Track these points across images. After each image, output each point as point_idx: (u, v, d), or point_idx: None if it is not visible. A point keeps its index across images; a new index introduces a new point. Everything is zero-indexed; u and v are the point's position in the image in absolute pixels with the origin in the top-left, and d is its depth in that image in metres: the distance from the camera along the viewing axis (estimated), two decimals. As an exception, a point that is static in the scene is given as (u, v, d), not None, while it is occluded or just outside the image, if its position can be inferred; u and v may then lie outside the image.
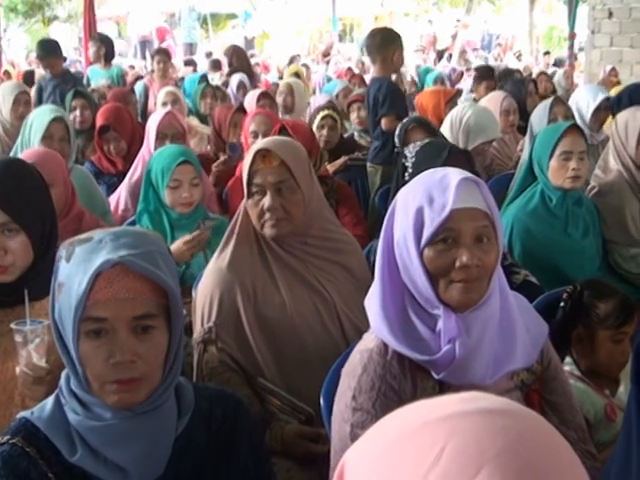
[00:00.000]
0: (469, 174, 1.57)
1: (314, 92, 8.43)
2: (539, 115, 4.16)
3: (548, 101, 4.25)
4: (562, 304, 2.18)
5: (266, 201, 2.24)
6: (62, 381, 1.37)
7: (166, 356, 1.34)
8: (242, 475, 1.46)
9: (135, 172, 3.91)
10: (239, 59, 7.67)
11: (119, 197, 3.94)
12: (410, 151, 2.69)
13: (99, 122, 4.30)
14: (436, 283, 1.54)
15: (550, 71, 8.33)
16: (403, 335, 1.55)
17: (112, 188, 4.14)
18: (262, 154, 2.26)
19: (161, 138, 3.81)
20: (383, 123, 4.51)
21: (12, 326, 1.71)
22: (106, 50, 7.36)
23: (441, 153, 2.58)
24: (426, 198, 1.52)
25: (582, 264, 3.05)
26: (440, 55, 17.94)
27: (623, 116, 3.45)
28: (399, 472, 0.62)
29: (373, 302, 1.62)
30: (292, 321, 2.26)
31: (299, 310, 2.28)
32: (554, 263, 3.02)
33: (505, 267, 2.81)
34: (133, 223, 3.24)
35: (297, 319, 2.27)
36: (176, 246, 2.95)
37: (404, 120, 3.99)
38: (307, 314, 2.29)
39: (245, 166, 2.29)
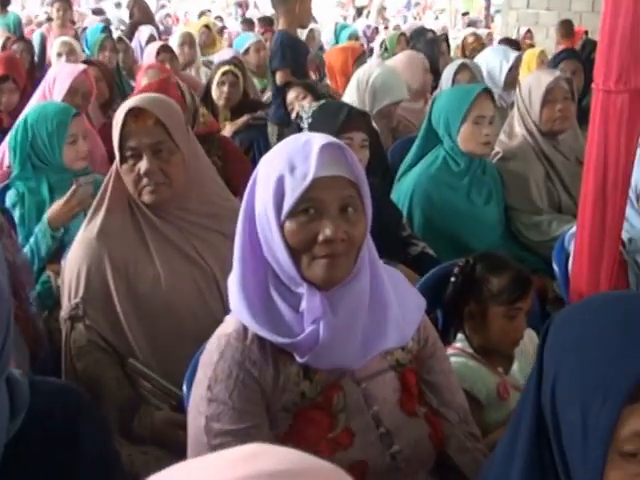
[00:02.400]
0: (333, 139, 1.44)
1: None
2: (445, 81, 4.06)
3: (453, 67, 4.15)
4: (453, 279, 2.08)
5: (143, 165, 2.07)
6: None
7: None
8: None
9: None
10: (141, 10, 7.35)
11: (3, 154, 3.69)
12: (306, 111, 2.55)
13: None
14: (298, 259, 1.41)
15: (466, 32, 8.24)
16: (264, 317, 1.43)
17: (-4, 147, 3.89)
18: (134, 113, 2.08)
19: (72, 93, 3.63)
20: (277, 77, 4.37)
21: None
22: (1, -5, 6.96)
23: (338, 114, 2.45)
24: (287, 166, 1.39)
25: (483, 232, 2.98)
26: (360, 12, 17.79)
27: (527, 80, 3.38)
28: None
29: (233, 282, 1.48)
30: (167, 297, 2.11)
31: (176, 285, 2.13)
32: (454, 231, 2.94)
33: (403, 238, 2.73)
34: (7, 187, 3.02)
35: (173, 295, 2.12)
36: (53, 209, 2.76)
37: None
38: (185, 289, 2.13)
39: (115, 127, 2.10)
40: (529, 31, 8.72)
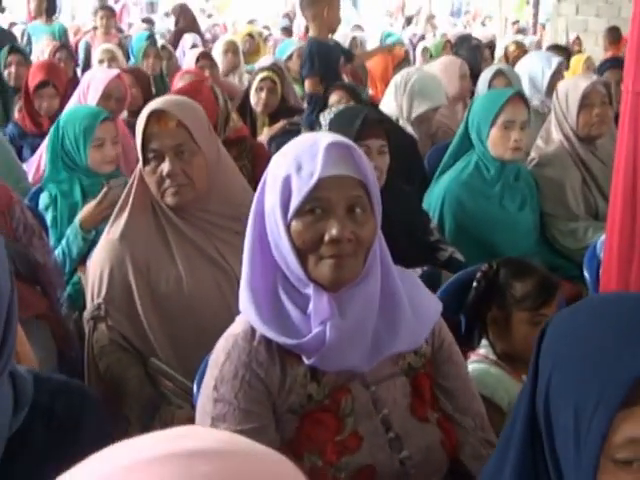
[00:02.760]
0: (340, 137, 1.42)
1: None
2: (481, 86, 4.02)
3: (489, 72, 4.10)
4: (475, 283, 2.04)
5: (165, 167, 2.08)
6: None
7: None
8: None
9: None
10: (186, 18, 7.44)
11: (41, 157, 3.77)
12: (325, 118, 2.54)
13: (38, 77, 4.14)
14: (305, 260, 1.40)
15: (508, 40, 8.17)
16: (272, 318, 1.41)
17: (36, 150, 3.97)
18: (157, 115, 2.10)
19: (106, 98, 3.66)
20: (305, 85, 4.38)
21: None
22: (48, 4, 7.08)
23: (354, 121, 2.43)
24: (295, 165, 1.38)
25: (516, 239, 2.93)
26: (409, 21, 17.76)
27: (564, 85, 3.33)
28: None
29: (242, 284, 1.47)
30: (189, 298, 2.12)
31: (198, 286, 2.13)
32: (487, 238, 2.90)
33: (431, 243, 2.70)
34: (40, 190, 3.06)
35: (195, 296, 2.12)
36: (85, 211, 2.79)
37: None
38: (206, 291, 2.14)
39: (138, 129, 2.12)
40: (578, 38, 8.60)
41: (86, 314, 2.17)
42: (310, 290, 1.41)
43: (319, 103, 3.99)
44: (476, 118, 2.99)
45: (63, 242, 2.81)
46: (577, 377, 0.88)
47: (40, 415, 1.29)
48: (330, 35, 4.73)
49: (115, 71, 3.88)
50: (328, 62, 4.52)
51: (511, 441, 0.96)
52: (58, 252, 2.80)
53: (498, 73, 4.09)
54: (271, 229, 1.43)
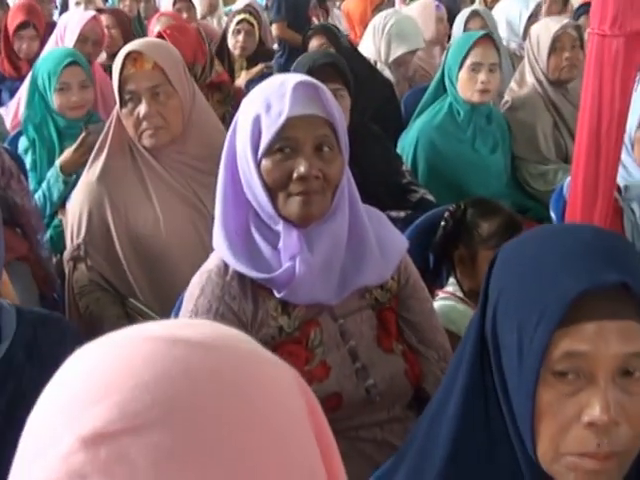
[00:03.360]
0: (309, 78, 1.47)
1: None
2: (456, 28, 4.04)
3: (464, 14, 4.12)
4: (443, 223, 2.11)
5: (142, 108, 2.13)
6: None
7: None
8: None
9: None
10: None
11: (19, 101, 3.76)
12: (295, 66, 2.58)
13: (18, 18, 4.12)
14: (275, 197, 1.47)
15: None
16: (244, 253, 1.48)
17: (14, 93, 3.96)
18: (133, 57, 2.13)
19: (82, 41, 3.66)
20: (273, 30, 4.39)
21: None
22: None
23: (305, 67, 2.45)
24: (264, 105, 1.43)
25: (488, 181, 3.00)
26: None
27: (536, 28, 3.37)
28: None
29: (215, 222, 1.53)
30: (166, 238, 2.18)
31: (174, 226, 2.19)
32: (459, 180, 2.96)
33: (403, 185, 2.76)
34: (20, 133, 3.09)
35: (172, 236, 2.18)
36: (65, 155, 2.82)
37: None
38: (183, 231, 2.20)
39: (115, 71, 2.15)
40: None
41: (66, 254, 2.22)
42: (280, 227, 1.47)
43: (287, 48, 4.00)
44: (447, 62, 3.03)
45: (44, 185, 2.85)
46: (521, 298, 0.96)
47: (22, 345, 1.35)
48: None
49: (91, 13, 3.87)
50: (296, 6, 4.52)
51: (461, 363, 1.03)
52: (39, 195, 2.84)
53: (473, 14, 4.11)
54: (242, 168, 1.48)
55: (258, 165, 1.45)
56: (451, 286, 2.15)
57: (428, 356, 1.65)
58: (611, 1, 1.98)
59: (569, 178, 2.47)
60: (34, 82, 2.98)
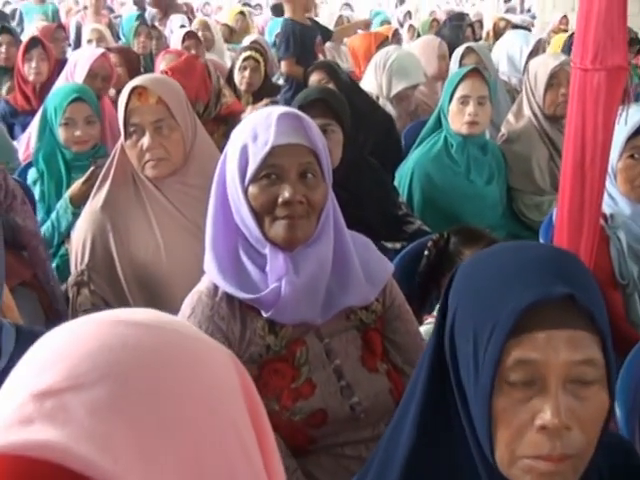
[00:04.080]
0: (294, 110, 1.57)
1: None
2: (452, 64, 4.15)
3: (459, 51, 4.23)
4: (426, 252, 2.19)
5: (145, 141, 2.22)
6: None
7: None
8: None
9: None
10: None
11: (30, 135, 3.88)
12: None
13: (28, 39, 4.32)
14: (262, 221, 1.56)
15: (499, 17, 8.25)
16: (232, 275, 1.57)
17: (27, 128, 4.08)
18: (138, 92, 2.23)
19: (92, 76, 3.78)
20: (281, 67, 4.51)
21: None
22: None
23: (296, 103, 2.55)
24: (251, 135, 1.54)
25: (483, 211, 3.08)
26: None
27: (534, 63, 3.47)
28: None
29: (206, 246, 1.62)
30: (168, 266, 2.25)
31: (175, 254, 2.27)
32: (455, 210, 3.04)
33: (399, 217, 2.84)
34: (29, 165, 3.20)
35: (173, 264, 2.25)
36: (74, 187, 2.91)
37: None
38: (183, 258, 2.27)
39: (120, 105, 2.25)
40: (565, 17, 8.67)
41: (70, 280, 2.30)
42: (267, 250, 1.56)
43: (294, 84, 4.11)
44: (442, 96, 3.13)
45: (53, 215, 2.94)
46: (476, 310, 1.03)
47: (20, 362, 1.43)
48: (306, 15, 4.85)
49: (100, 50, 3.99)
50: (304, 43, 4.64)
51: (420, 375, 1.10)
52: (47, 226, 2.93)
53: (468, 50, 4.21)
54: (231, 194, 1.58)
55: (245, 191, 1.54)
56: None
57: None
58: (592, 37, 2.07)
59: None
60: (44, 116, 3.09)
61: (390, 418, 1.68)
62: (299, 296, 1.55)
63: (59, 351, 0.61)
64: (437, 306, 2.18)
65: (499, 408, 0.99)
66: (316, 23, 5.16)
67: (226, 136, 3.26)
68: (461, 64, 4.08)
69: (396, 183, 3.05)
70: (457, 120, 3.04)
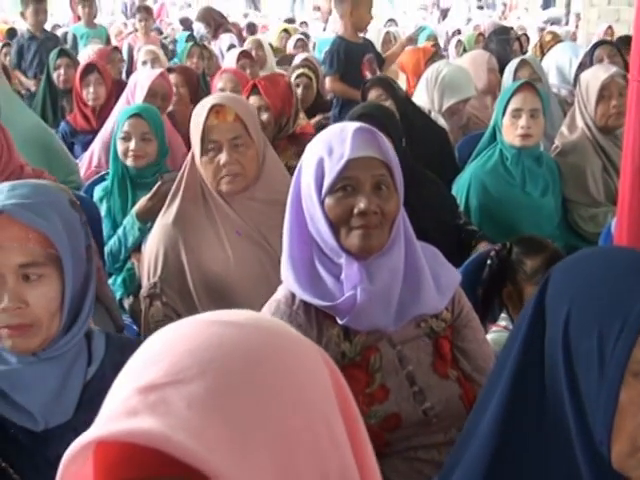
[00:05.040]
0: (365, 124, 1.64)
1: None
2: (506, 77, 4.19)
3: (513, 63, 4.27)
4: (489, 262, 2.24)
5: (223, 157, 2.29)
6: None
7: (62, 304, 1.41)
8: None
9: (109, 128, 3.93)
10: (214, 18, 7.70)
11: (92, 153, 4.00)
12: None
13: (84, 65, 4.42)
14: (338, 231, 1.62)
15: (547, 30, 8.27)
16: (309, 284, 1.64)
17: (87, 147, 4.20)
18: (216, 110, 2.30)
19: (151, 95, 3.89)
20: (326, 82, 4.59)
21: None
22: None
23: (353, 118, 2.61)
24: (326, 149, 1.61)
25: (540, 222, 3.11)
26: (445, 14, 17.81)
27: (585, 75, 3.49)
28: None
29: (283, 256, 1.69)
30: (236, 277, 2.33)
31: (243, 266, 2.34)
32: (511, 222, 3.07)
33: (459, 225, 2.89)
34: (94, 183, 3.32)
35: (241, 275, 2.33)
36: (140, 203, 3.00)
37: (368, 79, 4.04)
38: (251, 270, 2.35)
39: (198, 122, 2.31)
40: (610, 27, 8.64)
41: (143, 292, 2.39)
42: (342, 259, 1.63)
43: (341, 100, 4.19)
44: (496, 109, 3.19)
45: (119, 231, 3.04)
46: (599, 306, 1.06)
47: (111, 367, 1.51)
48: (360, 34, 4.92)
49: (159, 70, 4.11)
50: (350, 61, 4.71)
51: (499, 379, 1.15)
52: (114, 240, 3.03)
53: (522, 63, 4.25)
54: (307, 206, 1.65)
55: (322, 203, 1.62)
56: (503, 320, 2.27)
57: (481, 383, 1.77)
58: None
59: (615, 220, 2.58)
60: (114, 135, 3.21)
61: (461, 423, 1.74)
62: (373, 304, 1.62)
63: (161, 349, 0.69)
64: (502, 315, 2.23)
65: (625, 400, 1.03)
66: (369, 44, 5.24)
67: (298, 156, 3.36)
68: (515, 77, 4.11)
69: (454, 193, 3.10)
70: (510, 133, 3.08)
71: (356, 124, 1.65)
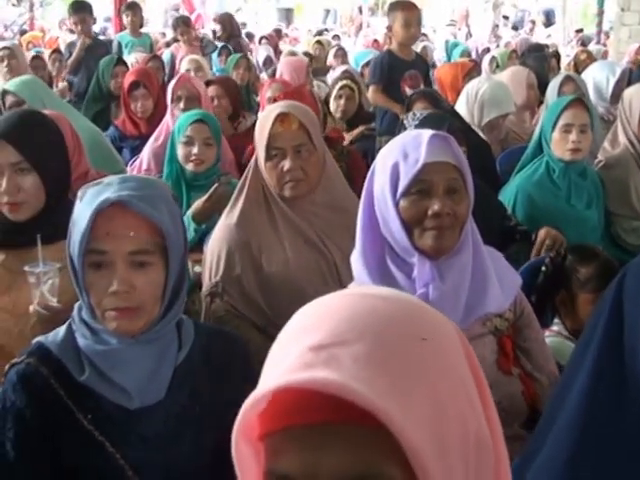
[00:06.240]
0: (439, 131, 1.72)
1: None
2: (550, 92, 4.25)
3: (558, 79, 4.34)
4: (544, 268, 2.31)
5: (287, 163, 2.36)
6: (75, 310, 1.55)
7: (164, 291, 1.50)
8: (234, 403, 1.61)
9: (160, 135, 4.02)
10: (232, 26, 7.80)
11: (142, 158, 4.07)
12: (409, 123, 2.82)
13: (129, 79, 4.49)
14: (411, 232, 1.71)
15: (577, 49, 8.34)
16: (381, 281, 1.72)
17: (135, 152, 4.28)
18: (281, 118, 2.38)
19: (175, 100, 3.98)
20: (369, 92, 4.69)
21: (25, 268, 1.89)
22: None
23: (440, 127, 2.69)
24: (401, 154, 1.69)
25: (584, 234, 3.16)
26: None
27: (629, 92, 3.56)
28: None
29: (355, 255, 1.78)
30: (295, 277, 2.40)
31: (302, 268, 2.42)
32: (557, 232, 3.12)
33: (510, 227, 2.96)
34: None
35: (299, 276, 2.40)
36: (196, 205, 3.06)
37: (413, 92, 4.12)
38: (309, 272, 2.42)
39: (264, 129, 2.39)
40: (640, 47, 8.66)
41: (204, 290, 2.47)
42: (414, 259, 1.71)
43: (380, 113, 4.29)
44: (543, 123, 3.27)
45: (176, 231, 3.12)
46: None
47: (200, 352, 1.60)
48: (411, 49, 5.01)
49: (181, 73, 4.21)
50: (392, 74, 4.80)
51: (575, 379, 1.21)
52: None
53: (567, 79, 4.32)
54: (380, 208, 1.73)
55: (397, 204, 1.70)
56: (556, 326, 2.33)
57: (541, 381, 1.84)
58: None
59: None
60: (172, 139, 3.30)
61: (523, 418, 1.82)
62: (444, 302, 1.69)
63: (322, 317, 0.78)
64: (555, 320, 2.30)
65: None
66: (420, 59, 5.31)
67: (336, 159, 3.43)
68: (560, 92, 4.19)
69: (498, 206, 3.17)
70: (560, 147, 3.15)
71: (430, 131, 1.73)
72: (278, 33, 11.02)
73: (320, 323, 0.76)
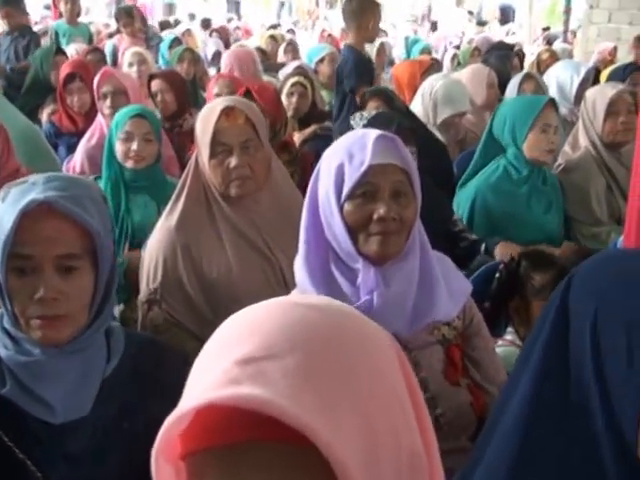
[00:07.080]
0: (385, 132, 1.75)
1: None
2: (510, 90, 4.32)
3: (518, 77, 4.41)
4: (497, 275, 2.35)
5: (233, 160, 2.34)
6: None
7: (93, 298, 1.50)
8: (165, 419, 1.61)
9: (93, 135, 4.01)
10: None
11: (74, 160, 4.03)
12: (357, 123, 2.85)
13: (65, 71, 4.45)
14: (356, 237, 1.73)
15: (543, 47, 8.46)
16: (325, 288, 1.73)
17: (72, 149, 4.23)
18: (227, 112, 2.36)
19: (102, 97, 3.95)
20: (358, 96, 4.69)
21: None
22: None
23: (390, 126, 2.72)
24: (346, 155, 1.71)
25: (542, 240, 3.22)
26: (435, 26, 18.08)
27: (592, 92, 3.63)
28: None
29: (298, 261, 1.79)
30: (238, 285, 2.38)
31: (245, 274, 2.41)
32: (514, 237, 3.18)
33: (454, 233, 3.00)
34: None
35: (242, 283, 2.39)
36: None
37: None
38: (253, 278, 2.41)
39: (208, 124, 2.36)
40: (615, 48, 8.75)
41: (141, 297, 2.45)
42: (359, 265, 1.73)
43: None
44: (509, 122, 3.27)
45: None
46: (629, 305, 1.13)
47: (130, 364, 1.60)
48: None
49: (104, 69, 4.17)
50: (370, 72, 4.83)
51: (518, 385, 1.23)
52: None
53: (527, 77, 4.39)
54: (324, 211, 1.75)
55: (341, 208, 1.71)
56: (509, 335, 2.38)
57: (491, 392, 1.88)
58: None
59: (621, 237, 2.70)
60: (110, 138, 3.27)
61: (471, 431, 1.84)
62: (389, 308, 1.72)
63: (251, 327, 0.79)
64: (508, 329, 2.34)
65: None
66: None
67: (290, 163, 3.42)
68: (520, 91, 4.25)
69: (455, 209, 3.21)
70: (537, 148, 3.21)
71: (377, 131, 1.75)
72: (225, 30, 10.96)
73: (248, 335, 0.77)
